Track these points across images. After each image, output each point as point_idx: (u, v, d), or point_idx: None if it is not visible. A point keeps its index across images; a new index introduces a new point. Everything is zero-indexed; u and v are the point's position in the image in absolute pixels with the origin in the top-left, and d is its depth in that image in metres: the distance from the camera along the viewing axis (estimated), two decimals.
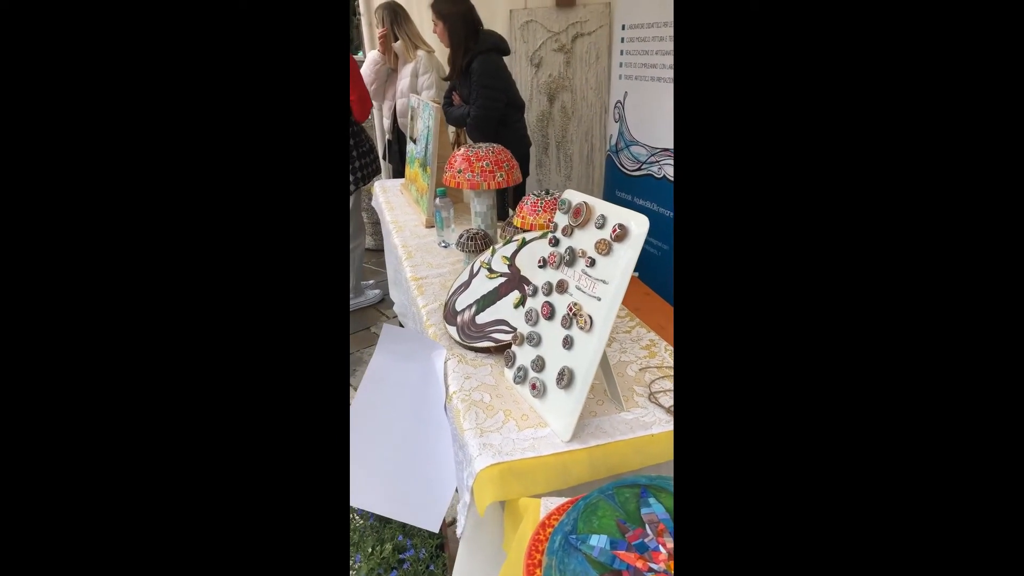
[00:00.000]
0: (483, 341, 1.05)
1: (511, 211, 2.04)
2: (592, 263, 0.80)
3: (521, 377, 0.91)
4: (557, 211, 0.91)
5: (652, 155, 2.34)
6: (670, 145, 2.22)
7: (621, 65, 2.45)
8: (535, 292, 0.93)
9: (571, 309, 0.82)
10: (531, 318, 0.92)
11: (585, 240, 0.83)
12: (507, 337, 1.02)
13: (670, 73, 2.15)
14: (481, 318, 1.10)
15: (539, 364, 0.88)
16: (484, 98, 2.08)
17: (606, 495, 0.67)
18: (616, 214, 0.79)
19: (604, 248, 0.78)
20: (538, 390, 0.86)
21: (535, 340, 0.90)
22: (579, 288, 0.83)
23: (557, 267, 0.88)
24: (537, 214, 1.25)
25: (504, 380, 0.98)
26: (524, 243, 1.21)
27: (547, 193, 1.28)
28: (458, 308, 1.16)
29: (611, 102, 2.61)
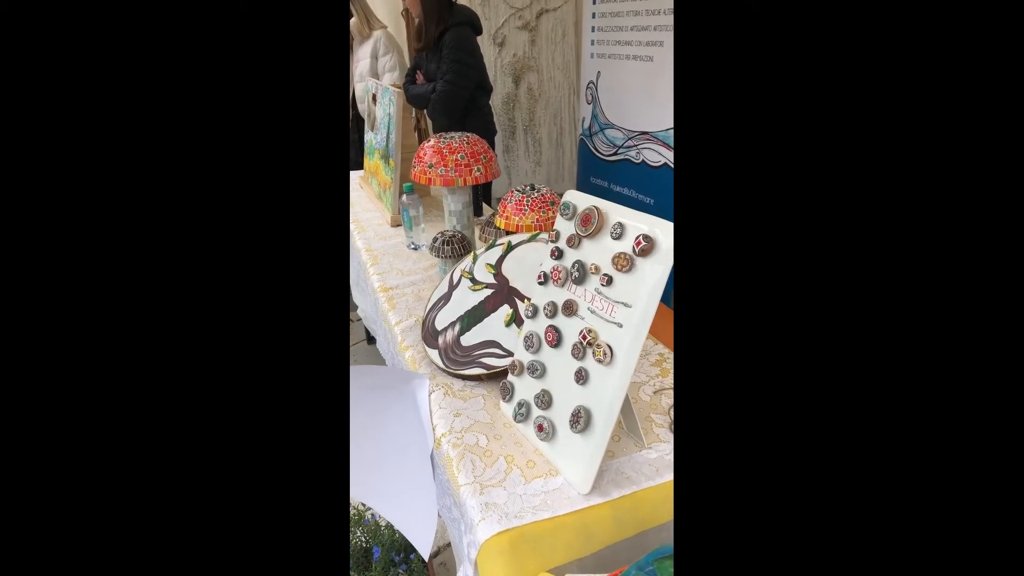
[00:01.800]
0: (472, 367, 0.91)
1: (487, 207, 1.88)
2: (609, 281, 0.66)
3: (523, 415, 0.77)
4: (558, 217, 0.77)
5: (629, 139, 2.21)
6: (649, 128, 2.09)
7: (593, 43, 2.30)
8: (535, 313, 0.78)
9: (584, 337, 0.68)
10: (532, 344, 0.77)
11: (597, 253, 0.69)
12: (501, 363, 0.88)
13: (647, 51, 2.02)
14: (467, 339, 0.95)
15: (545, 400, 0.74)
16: (455, 73, 1.90)
17: (646, 573, 0.55)
18: (637, 221, 0.65)
19: (624, 264, 0.64)
20: (546, 432, 0.73)
21: (538, 371, 0.76)
22: (592, 311, 0.69)
23: (563, 285, 0.74)
24: (523, 213, 1.10)
25: (500, 414, 0.83)
26: (510, 247, 1.06)
27: (532, 189, 1.13)
28: (439, 326, 1.01)
29: (582, 82, 2.46)
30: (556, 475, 0.72)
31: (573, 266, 0.72)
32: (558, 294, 0.75)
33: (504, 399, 0.82)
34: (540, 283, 0.78)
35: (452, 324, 0.99)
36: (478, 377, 0.90)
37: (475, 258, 1.09)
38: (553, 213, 1.11)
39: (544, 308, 0.76)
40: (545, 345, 0.76)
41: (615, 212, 0.68)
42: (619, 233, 0.66)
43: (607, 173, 2.39)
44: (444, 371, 0.93)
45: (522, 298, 0.95)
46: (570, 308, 0.72)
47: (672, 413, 0.82)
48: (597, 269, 0.68)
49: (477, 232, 1.34)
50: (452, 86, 1.90)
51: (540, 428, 0.73)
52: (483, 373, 0.89)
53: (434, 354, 0.97)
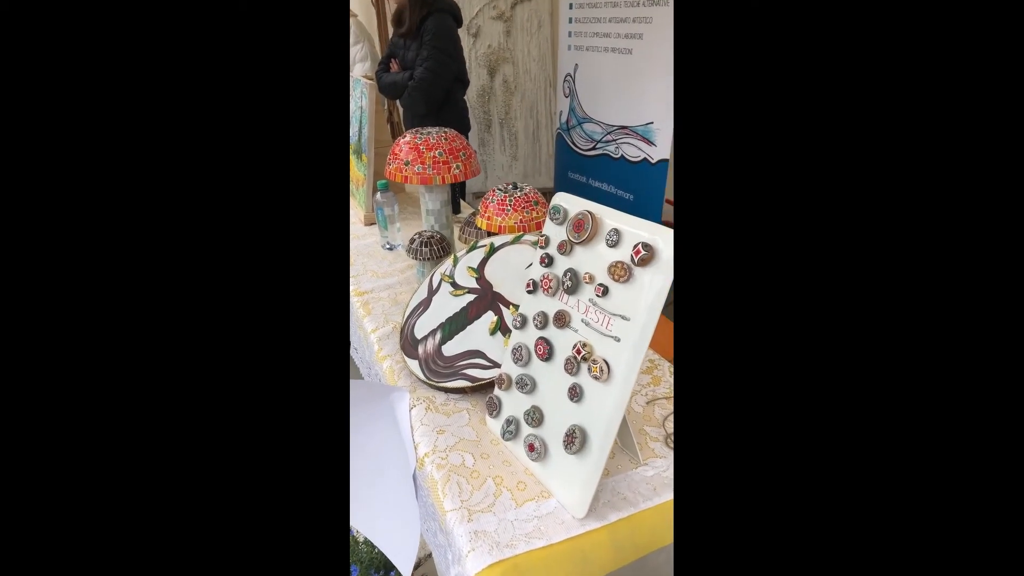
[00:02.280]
0: (455, 379, 0.85)
1: (464, 204, 1.82)
2: (604, 292, 0.62)
3: (512, 432, 0.72)
4: (547, 221, 0.72)
5: (608, 133, 2.17)
6: (628, 122, 2.06)
7: (570, 35, 2.25)
8: (523, 323, 0.74)
9: (579, 351, 0.63)
10: (521, 357, 0.73)
11: (591, 261, 0.65)
12: (486, 375, 0.83)
13: (625, 43, 1.98)
14: (449, 348, 0.90)
15: (536, 417, 0.69)
16: (435, 60, 1.82)
17: None
18: (635, 228, 0.60)
19: (622, 273, 0.60)
20: (538, 452, 0.68)
21: (528, 386, 0.71)
22: (587, 323, 0.64)
23: (554, 294, 0.69)
24: (505, 214, 1.04)
25: (487, 430, 0.79)
26: (493, 250, 1.01)
27: (515, 188, 1.08)
28: (418, 335, 0.95)
29: (559, 75, 2.41)
30: (548, 497, 0.67)
31: (565, 274, 0.67)
32: (549, 304, 0.70)
33: (491, 414, 0.77)
34: (529, 291, 0.73)
35: (433, 332, 0.94)
36: (462, 390, 0.85)
37: (456, 261, 1.04)
38: (538, 213, 1.06)
39: (534, 319, 0.71)
40: (535, 358, 0.71)
41: (610, 217, 0.64)
42: (615, 240, 0.61)
43: (585, 168, 2.35)
44: (425, 383, 0.88)
45: (507, 304, 0.90)
46: (562, 319, 0.67)
47: (667, 425, 0.79)
48: (591, 278, 0.64)
49: (456, 232, 1.28)
50: (432, 73, 1.82)
51: (531, 448, 0.69)
52: (467, 386, 0.84)
53: (414, 365, 0.91)
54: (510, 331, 0.86)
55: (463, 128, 2.05)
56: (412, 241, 1.14)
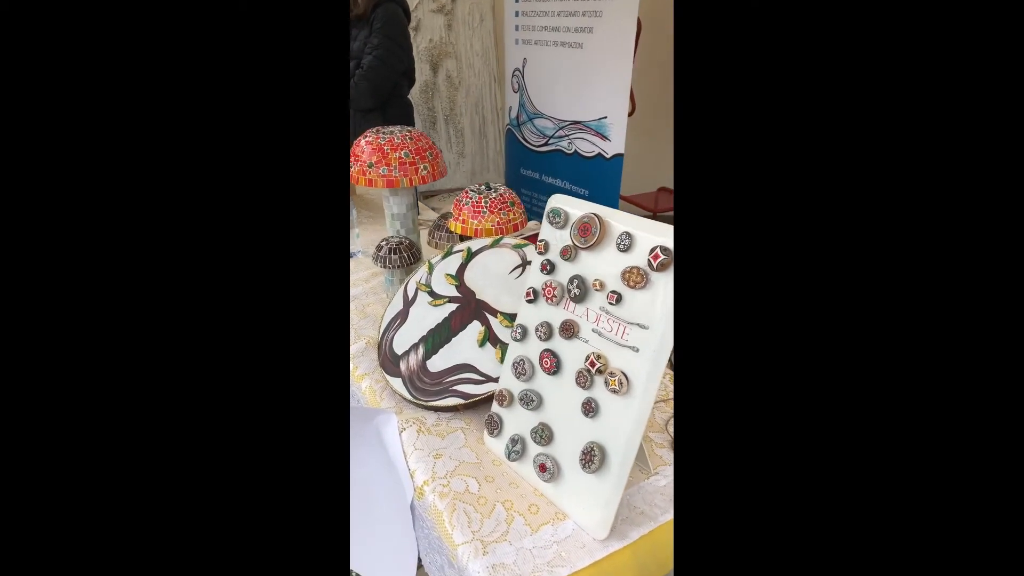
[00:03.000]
0: (445, 397, 0.80)
1: (422, 205, 1.74)
2: (618, 299, 0.58)
3: (518, 452, 0.68)
4: (545, 225, 0.67)
5: (560, 128, 2.15)
6: (580, 117, 2.04)
7: (518, 28, 2.21)
8: (524, 335, 0.69)
9: (592, 363, 0.60)
10: (523, 371, 0.68)
11: (600, 266, 0.61)
12: (480, 390, 0.78)
13: (575, 37, 1.96)
14: (435, 363, 0.84)
15: (544, 435, 0.65)
16: (385, 48, 1.72)
17: None
18: (647, 232, 0.57)
19: (638, 280, 0.56)
20: (550, 472, 0.64)
21: (534, 402, 0.67)
22: (599, 333, 0.61)
23: (558, 303, 0.65)
24: (481, 216, 0.99)
25: (486, 450, 0.74)
26: (471, 254, 0.95)
27: (489, 188, 1.03)
28: (398, 350, 0.89)
29: (507, 70, 2.36)
30: (564, 518, 0.63)
31: (571, 281, 0.63)
32: (553, 313, 0.66)
33: (491, 434, 0.73)
34: (529, 300, 0.68)
35: (414, 346, 0.87)
36: (454, 408, 0.80)
37: (431, 268, 0.98)
38: (514, 214, 1.02)
39: (536, 329, 0.67)
40: (540, 372, 0.67)
41: (618, 220, 0.60)
42: (627, 244, 0.58)
43: (538, 164, 2.32)
44: (413, 403, 0.82)
45: (494, 312, 0.85)
46: (570, 329, 0.63)
47: (669, 428, 0.77)
48: (601, 285, 0.60)
49: (424, 237, 1.22)
50: (382, 62, 1.72)
51: (543, 468, 0.64)
52: (460, 403, 0.78)
53: (397, 383, 0.85)
54: (500, 342, 0.81)
55: (409, 126, 1.97)
56: (379, 248, 1.07)
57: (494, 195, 1.01)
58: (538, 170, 2.33)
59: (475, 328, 0.85)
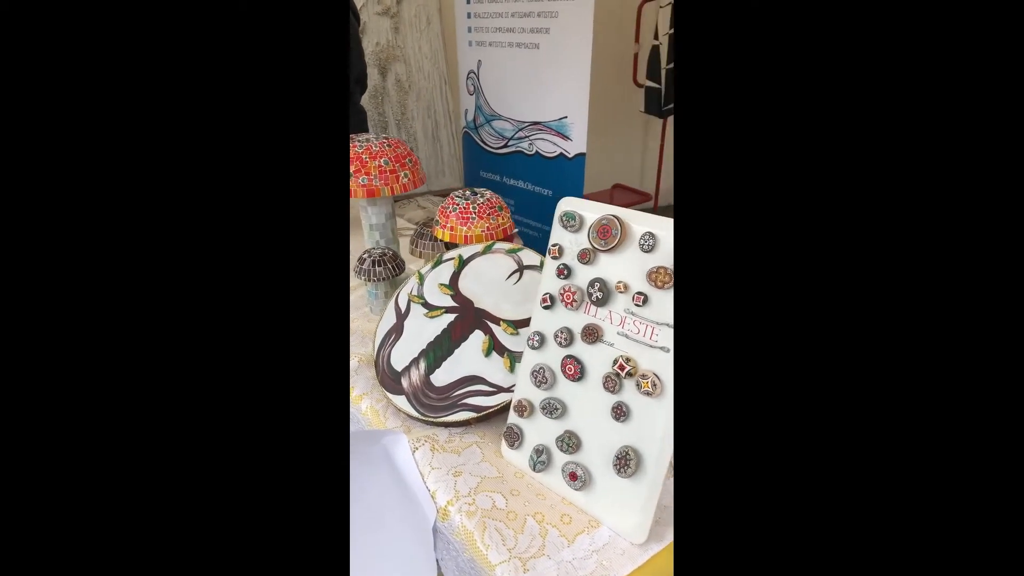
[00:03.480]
0: (455, 411, 0.77)
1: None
2: (644, 300, 0.58)
3: (544, 462, 0.66)
4: (558, 230, 0.66)
5: (520, 129, 2.14)
6: (540, 118, 2.05)
7: (470, 30, 2.19)
8: (542, 342, 0.68)
9: (621, 366, 0.59)
10: (544, 379, 0.67)
11: (622, 268, 0.60)
12: (493, 401, 0.75)
13: (531, 38, 1.96)
14: (439, 377, 0.81)
15: (572, 443, 0.64)
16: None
17: None
18: (670, 231, 0.57)
19: (666, 279, 0.56)
20: (581, 480, 0.63)
21: (559, 410, 0.65)
22: (625, 335, 0.60)
23: (577, 307, 0.64)
24: (470, 222, 0.97)
25: (504, 463, 0.72)
26: (463, 262, 0.93)
27: (475, 194, 1.01)
28: (397, 366, 0.85)
29: (460, 72, 2.34)
30: (597, 526, 0.62)
31: (592, 285, 0.62)
32: (573, 319, 0.65)
33: (511, 446, 0.71)
34: (545, 306, 0.67)
35: (415, 361, 0.84)
36: (467, 422, 0.77)
37: (421, 278, 0.94)
38: (503, 219, 1.00)
39: (556, 336, 0.66)
40: (562, 379, 0.65)
41: (637, 220, 0.60)
42: (651, 244, 0.57)
43: (498, 166, 2.31)
44: (421, 420, 0.78)
45: (495, 320, 0.83)
46: (593, 334, 0.62)
47: None
48: (626, 287, 0.59)
49: (405, 246, 1.18)
50: None
51: (573, 476, 0.63)
52: (473, 417, 0.76)
53: (400, 401, 0.81)
54: (507, 350, 0.79)
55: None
56: (361, 261, 1.03)
57: (481, 200, 0.99)
58: (499, 172, 2.32)
59: (478, 338, 0.83)
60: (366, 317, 1.07)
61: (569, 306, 0.64)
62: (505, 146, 2.24)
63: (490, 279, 0.90)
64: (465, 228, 0.97)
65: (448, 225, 0.98)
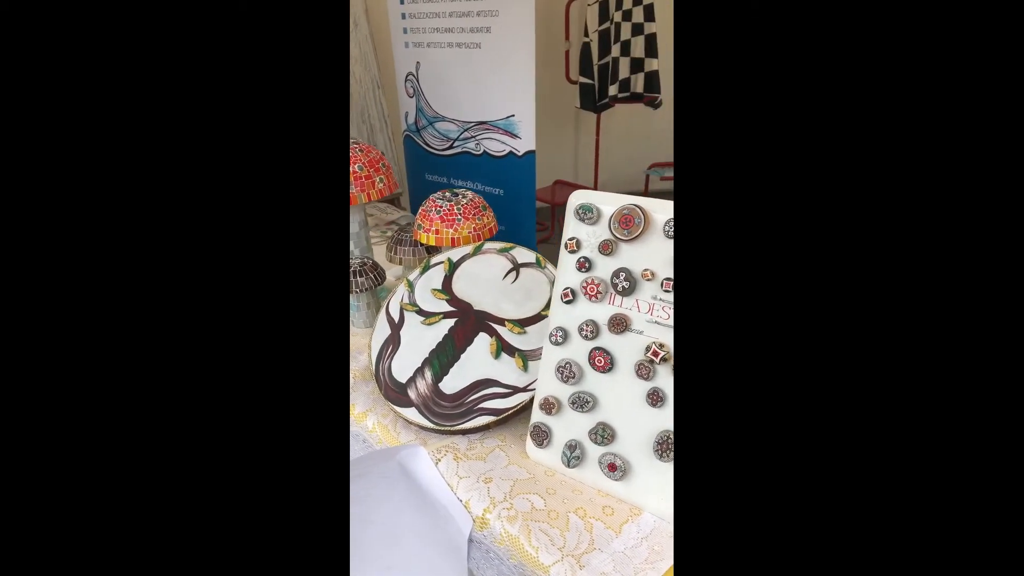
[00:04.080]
0: (473, 417, 0.75)
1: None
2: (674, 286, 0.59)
3: (578, 458, 0.66)
4: (573, 223, 0.66)
5: (466, 130, 2.13)
6: (487, 118, 2.04)
7: (406, 31, 2.14)
8: (566, 337, 0.67)
9: (655, 353, 0.60)
10: (571, 374, 0.66)
11: (646, 256, 0.61)
12: (510, 403, 0.74)
13: (472, 38, 1.95)
14: (449, 384, 0.79)
15: (604, 435, 0.64)
16: None
17: None
18: None
19: None
20: (620, 470, 0.63)
21: (589, 403, 0.65)
22: (656, 323, 0.61)
23: (601, 299, 0.64)
24: (457, 224, 0.95)
25: (532, 463, 0.71)
26: (453, 265, 0.91)
27: (455, 195, 0.99)
28: (400, 378, 0.82)
29: (398, 75, 2.28)
30: (640, 513, 0.63)
31: (617, 275, 0.62)
32: (597, 310, 0.65)
33: (539, 445, 0.70)
34: (567, 301, 0.67)
35: (419, 371, 0.81)
36: (486, 427, 0.75)
37: (411, 286, 0.91)
38: (488, 219, 0.98)
39: (581, 330, 0.65)
40: (590, 372, 0.65)
41: (658, 208, 0.61)
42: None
43: (444, 168, 2.28)
44: (437, 430, 0.76)
45: (499, 321, 0.82)
46: (621, 324, 0.62)
47: None
48: (652, 275, 0.60)
49: (381, 254, 1.13)
50: None
51: (612, 467, 0.63)
52: (492, 421, 0.74)
53: (410, 413, 0.78)
54: (517, 350, 0.78)
55: None
56: None
57: (465, 201, 0.97)
58: (445, 174, 2.29)
59: (484, 341, 0.81)
60: (362, 331, 1.02)
61: (593, 299, 0.64)
62: (450, 147, 2.21)
63: (485, 280, 0.88)
64: (451, 230, 0.95)
65: (432, 228, 0.96)
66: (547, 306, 0.82)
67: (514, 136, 2.00)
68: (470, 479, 0.69)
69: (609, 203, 0.63)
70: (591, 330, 0.65)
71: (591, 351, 0.65)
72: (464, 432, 0.76)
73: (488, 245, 0.93)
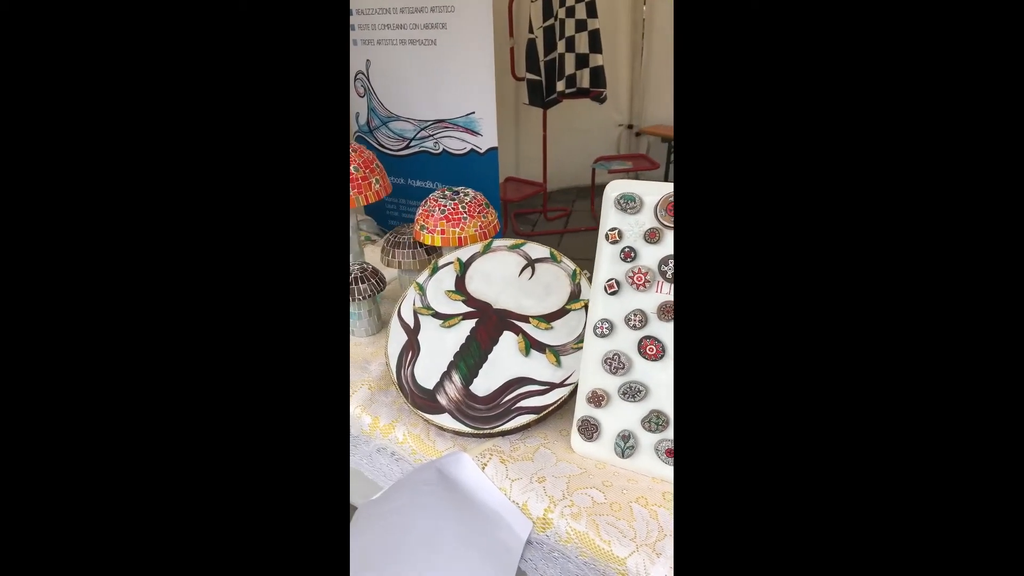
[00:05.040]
0: (513, 417, 0.74)
1: None
2: None
3: (632, 447, 0.66)
4: (613, 213, 0.66)
5: (422, 129, 2.08)
6: (445, 116, 2.00)
7: (355, 28, 2.07)
8: (611, 329, 0.67)
9: None
10: (619, 365, 0.66)
11: None
12: (549, 399, 0.73)
13: (427, 34, 1.91)
14: (480, 386, 0.77)
15: (658, 422, 0.65)
16: None
17: None
18: None
19: None
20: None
21: (640, 392, 0.65)
22: None
23: (649, 287, 0.64)
24: (463, 223, 0.92)
25: (580, 458, 0.70)
26: (464, 265, 0.89)
27: (456, 193, 0.96)
28: (426, 384, 0.79)
29: (349, 74, 2.20)
30: None
31: (664, 263, 0.63)
32: (644, 299, 0.65)
33: (588, 438, 0.69)
34: (611, 292, 0.66)
35: (445, 375, 0.79)
36: (526, 426, 0.74)
37: (421, 289, 0.88)
38: (491, 216, 0.96)
39: (628, 320, 0.65)
40: (640, 361, 0.65)
41: None
42: None
43: (401, 168, 2.22)
44: (476, 434, 0.74)
45: (523, 318, 0.81)
46: (671, 311, 0.63)
47: None
48: None
49: (376, 257, 1.09)
50: None
51: (670, 453, 0.64)
52: (533, 420, 0.73)
53: (443, 419, 0.75)
54: (547, 346, 0.77)
55: None
56: None
57: (468, 199, 0.95)
58: (403, 175, 2.23)
59: (510, 339, 0.80)
60: (353, 342, 0.98)
61: (640, 288, 0.65)
62: (407, 147, 2.16)
63: (501, 277, 0.87)
64: (458, 230, 0.92)
65: (437, 229, 0.93)
66: (570, 300, 0.81)
67: (475, 133, 1.97)
68: (523, 480, 0.67)
69: (651, 192, 0.64)
70: (639, 319, 0.65)
71: (641, 340, 0.65)
72: (503, 434, 0.74)
73: (498, 242, 0.91)
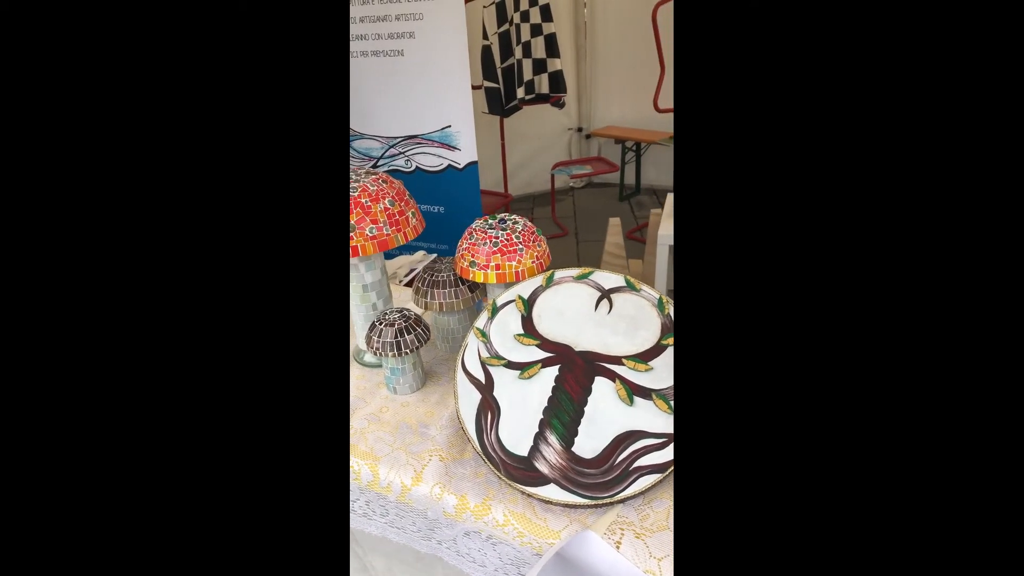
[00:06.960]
0: (633, 479, 0.64)
1: None
2: None
3: None
4: None
5: (391, 146, 1.94)
6: (417, 131, 1.87)
7: None
8: None
9: None
10: None
11: None
12: (667, 456, 0.64)
13: (393, 44, 1.77)
14: (583, 447, 0.67)
15: None
16: None
17: None
18: None
19: None
20: None
21: None
22: None
23: None
24: (519, 255, 0.81)
25: None
26: (527, 302, 0.78)
27: (505, 222, 0.85)
28: (519, 451, 0.67)
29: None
30: None
31: None
32: None
33: None
34: None
35: (539, 438, 0.68)
36: (650, 488, 0.64)
37: (484, 336, 0.77)
38: (544, 245, 0.86)
39: None
40: None
41: None
42: None
43: None
44: (593, 505, 0.63)
45: (613, 360, 0.71)
46: None
47: None
48: None
49: (412, 300, 0.96)
50: None
51: None
52: (658, 479, 0.64)
53: (549, 491, 0.65)
54: (651, 391, 0.68)
55: None
56: (378, 333, 0.79)
57: (520, 227, 0.84)
58: None
59: (606, 387, 0.70)
60: (395, 400, 0.84)
61: None
62: (375, 166, 2.00)
63: (575, 314, 0.77)
64: (514, 263, 0.81)
65: (491, 264, 0.81)
66: (664, 334, 0.73)
67: (452, 148, 1.86)
68: (671, 557, 0.57)
69: None
70: None
71: None
72: (624, 500, 0.64)
73: (560, 274, 0.81)
